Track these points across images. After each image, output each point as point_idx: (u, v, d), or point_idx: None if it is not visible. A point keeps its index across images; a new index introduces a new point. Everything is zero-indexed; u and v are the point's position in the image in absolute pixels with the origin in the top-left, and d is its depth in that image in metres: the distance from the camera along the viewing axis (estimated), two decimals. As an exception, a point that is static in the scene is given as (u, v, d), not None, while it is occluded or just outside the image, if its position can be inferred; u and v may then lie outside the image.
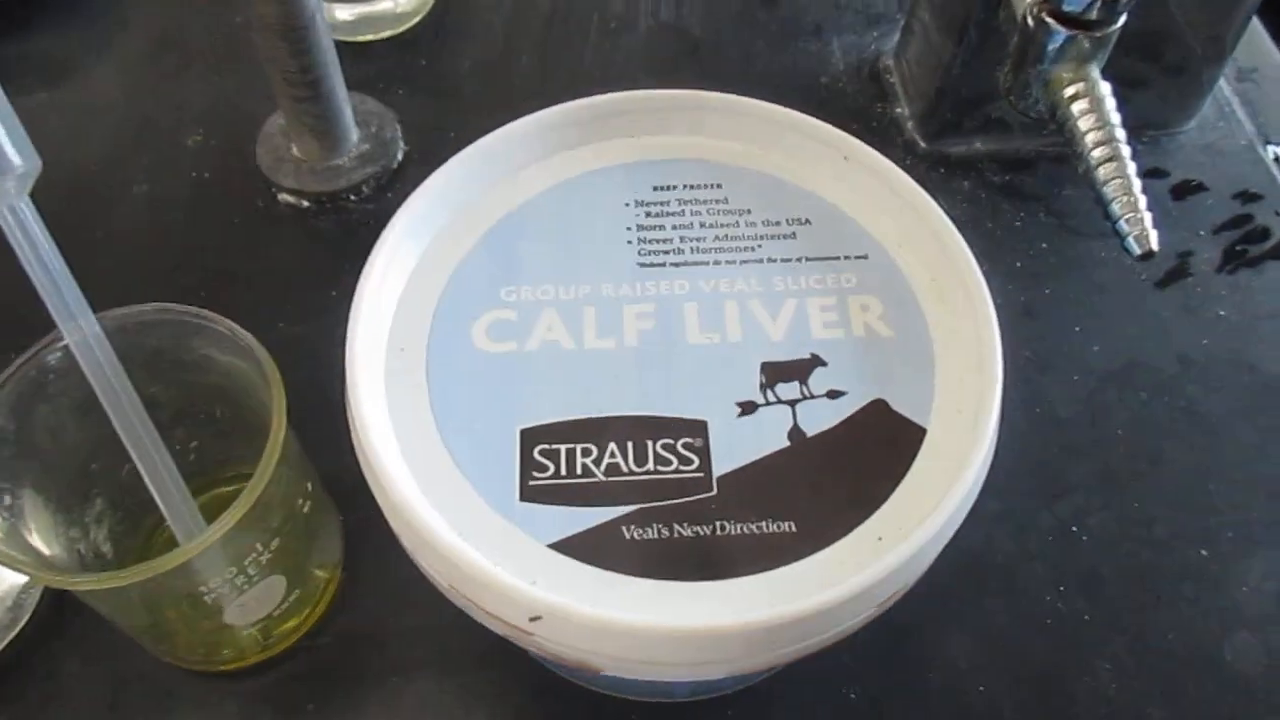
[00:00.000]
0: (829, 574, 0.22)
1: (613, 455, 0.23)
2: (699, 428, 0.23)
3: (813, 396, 0.24)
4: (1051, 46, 0.33)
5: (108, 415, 0.25)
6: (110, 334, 0.25)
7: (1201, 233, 0.41)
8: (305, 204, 0.40)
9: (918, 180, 0.27)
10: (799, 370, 0.24)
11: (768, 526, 0.22)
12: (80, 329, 0.24)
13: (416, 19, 0.49)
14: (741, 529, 0.22)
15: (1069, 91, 0.33)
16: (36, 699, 0.30)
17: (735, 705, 0.31)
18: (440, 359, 0.25)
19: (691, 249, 0.27)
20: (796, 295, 0.26)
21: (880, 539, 0.22)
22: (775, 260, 0.26)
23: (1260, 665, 0.31)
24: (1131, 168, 0.31)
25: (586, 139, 0.29)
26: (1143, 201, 0.30)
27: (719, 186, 0.28)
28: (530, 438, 0.23)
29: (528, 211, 0.27)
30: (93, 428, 0.26)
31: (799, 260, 0.26)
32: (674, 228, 0.27)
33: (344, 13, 0.47)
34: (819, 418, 0.24)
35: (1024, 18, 0.33)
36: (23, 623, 0.30)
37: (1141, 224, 0.30)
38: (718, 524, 0.22)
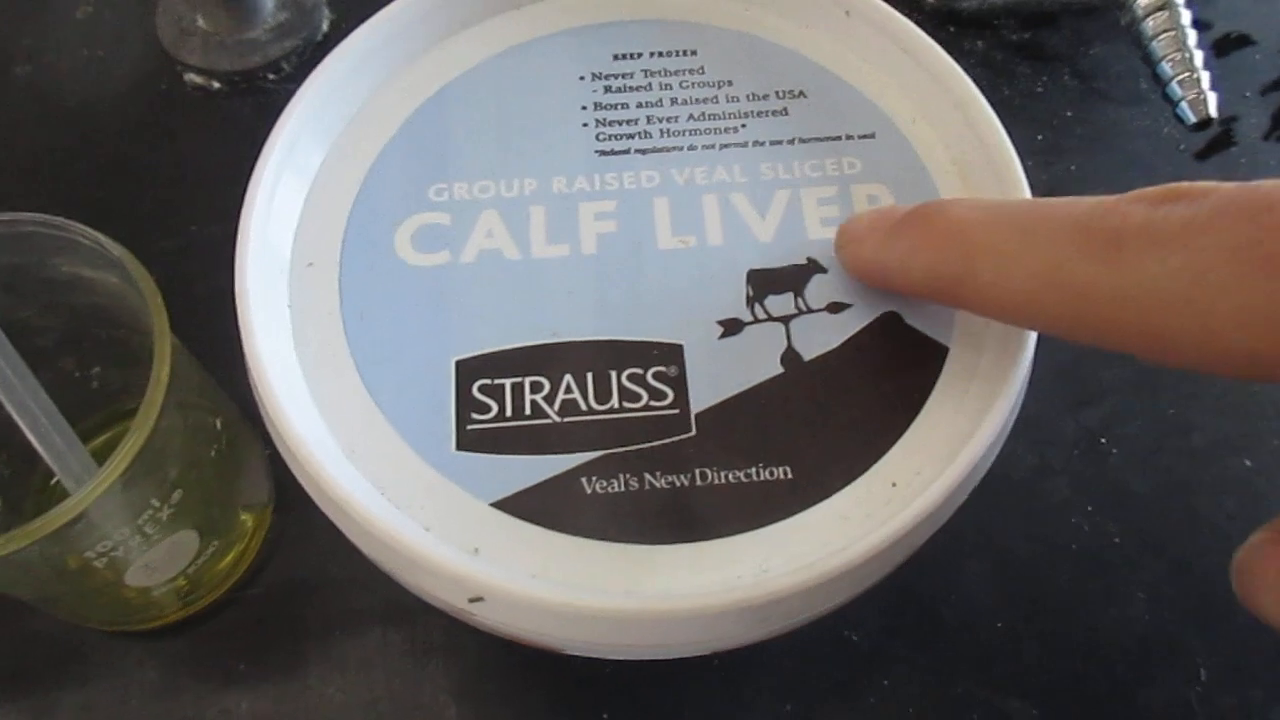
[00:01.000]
0: (833, 531, 0.19)
1: (569, 390, 0.21)
2: (673, 353, 0.21)
3: (810, 311, 0.22)
4: None
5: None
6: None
7: (1248, 94, 0.38)
8: (215, 85, 0.37)
9: (932, 38, 0.24)
10: (793, 279, 0.22)
11: (758, 474, 0.20)
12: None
13: None
14: (726, 477, 0.20)
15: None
16: (-75, 667, 0.28)
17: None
18: (356, 276, 0.22)
19: (661, 132, 0.24)
20: (789, 186, 0.23)
21: (894, 485, 0.20)
22: (763, 143, 0.24)
23: (1311, 589, 0.29)
24: (1186, 17, 0.27)
25: (530, -5, 0.26)
26: (1198, 58, 0.27)
27: (693, 53, 0.25)
28: (468, 371, 0.21)
29: (459, 89, 0.25)
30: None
31: (791, 142, 0.24)
32: (639, 105, 0.24)
33: None
34: (818, 337, 0.21)
35: None
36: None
37: (1198, 85, 0.27)
38: (697, 472, 0.20)
